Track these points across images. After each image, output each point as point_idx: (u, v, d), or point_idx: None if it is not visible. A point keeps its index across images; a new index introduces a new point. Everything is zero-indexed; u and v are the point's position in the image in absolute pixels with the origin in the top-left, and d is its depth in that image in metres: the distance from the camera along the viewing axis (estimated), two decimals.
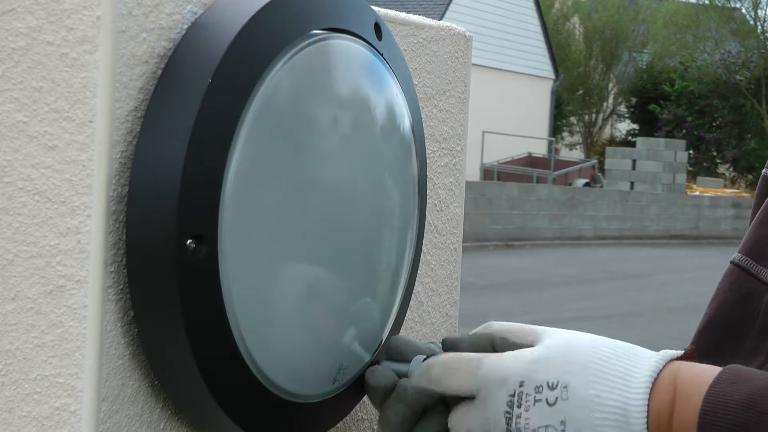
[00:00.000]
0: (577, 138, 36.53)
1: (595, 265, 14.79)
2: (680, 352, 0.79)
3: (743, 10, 33.70)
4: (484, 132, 24.59)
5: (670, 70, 33.83)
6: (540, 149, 28.62)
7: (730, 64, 32.21)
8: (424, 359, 0.89)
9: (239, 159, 0.78)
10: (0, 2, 0.78)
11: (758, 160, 31.08)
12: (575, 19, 36.11)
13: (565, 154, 34.35)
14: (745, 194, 26.86)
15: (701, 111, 32.55)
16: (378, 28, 0.94)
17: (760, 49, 32.42)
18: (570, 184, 23.88)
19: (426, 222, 1.06)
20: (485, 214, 16.37)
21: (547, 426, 0.78)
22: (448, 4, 26.55)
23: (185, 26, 0.80)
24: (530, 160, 26.38)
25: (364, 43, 0.92)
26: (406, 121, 0.96)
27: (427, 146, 1.07)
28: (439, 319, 1.13)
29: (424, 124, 1.05)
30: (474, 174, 24.22)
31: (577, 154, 35.25)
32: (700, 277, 13.64)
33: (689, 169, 28.32)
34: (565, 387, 0.78)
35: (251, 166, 0.79)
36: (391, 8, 1.09)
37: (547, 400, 0.78)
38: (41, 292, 0.77)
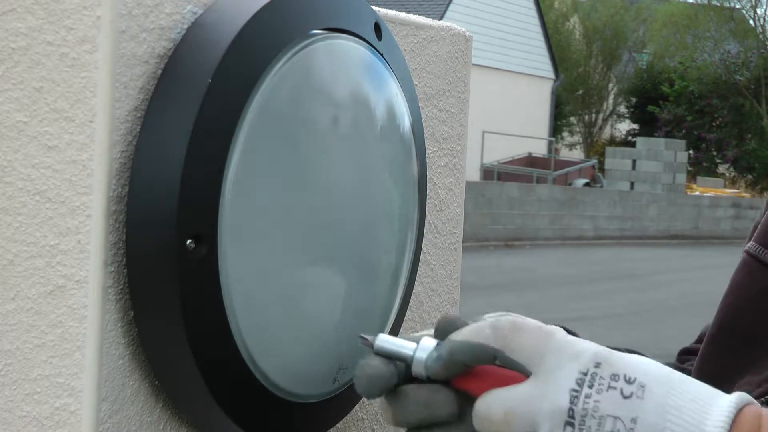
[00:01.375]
0: (577, 138, 36.54)
1: (595, 265, 14.79)
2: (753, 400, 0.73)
3: (742, 10, 33.70)
4: (484, 132, 24.58)
5: (670, 70, 33.84)
6: (540, 149, 28.62)
7: (729, 64, 32.21)
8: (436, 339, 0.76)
9: (239, 159, 0.78)
10: (0, 2, 0.78)
11: (758, 160, 31.10)
12: (575, 19, 36.11)
13: (565, 154, 34.35)
14: (745, 194, 26.86)
15: (701, 111, 32.55)
16: (378, 28, 0.94)
17: (759, 48, 32.42)
18: (570, 184, 23.88)
19: (426, 222, 1.06)
20: (485, 214, 16.37)
21: (616, 418, 0.71)
22: (448, 4, 26.55)
23: (185, 26, 0.80)
24: (530, 160, 26.39)
25: (364, 43, 0.92)
26: (406, 121, 0.96)
27: (427, 146, 1.07)
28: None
29: (424, 124, 1.05)
30: (474, 174, 24.21)
31: (577, 154, 35.25)
32: (700, 277, 13.65)
33: (689, 169, 28.33)
34: (642, 386, 0.71)
35: (251, 166, 0.79)
36: (391, 8, 1.09)
37: (622, 391, 0.72)
38: (41, 292, 0.77)
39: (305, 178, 0.85)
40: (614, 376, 0.72)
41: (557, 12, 35.32)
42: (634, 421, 0.70)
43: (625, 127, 38.37)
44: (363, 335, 0.77)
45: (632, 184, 23.10)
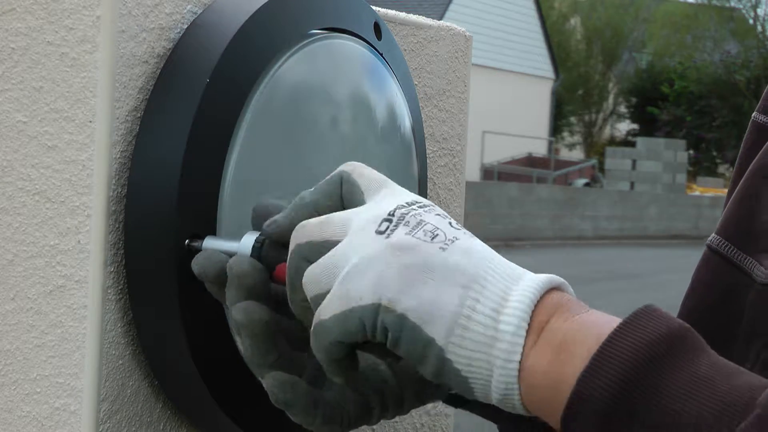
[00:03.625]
0: (577, 138, 36.55)
1: (595, 265, 14.79)
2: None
3: (742, 10, 33.71)
4: (484, 132, 24.59)
5: (669, 70, 33.85)
6: (540, 149, 28.63)
7: (729, 63, 32.22)
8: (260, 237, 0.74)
9: (238, 158, 0.78)
10: (0, 2, 0.78)
11: None
12: (575, 19, 36.12)
13: (565, 154, 34.37)
14: None
15: (701, 111, 32.55)
16: (378, 28, 0.94)
17: (759, 48, 32.43)
18: (570, 184, 23.89)
19: None
20: (485, 214, 16.37)
21: (437, 227, 0.65)
22: (448, 4, 26.56)
23: (185, 26, 0.80)
24: (530, 160, 26.40)
25: (364, 42, 0.92)
26: (406, 121, 0.96)
27: (427, 146, 1.07)
28: None
29: (424, 124, 1.05)
30: (474, 174, 24.21)
31: (577, 154, 35.26)
32: None
33: (689, 169, 28.32)
34: (470, 236, 0.66)
35: (250, 165, 0.79)
36: (391, 8, 1.09)
37: (450, 223, 0.66)
38: (41, 292, 0.77)
39: (304, 177, 0.85)
40: (449, 219, 0.67)
41: (557, 12, 35.33)
42: (453, 240, 0.65)
43: (625, 127, 38.37)
44: (189, 242, 0.76)
45: (632, 184, 23.10)
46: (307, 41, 0.84)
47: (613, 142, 36.36)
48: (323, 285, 0.66)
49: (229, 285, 0.71)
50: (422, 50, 1.09)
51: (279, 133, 0.82)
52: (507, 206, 17.09)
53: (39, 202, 0.77)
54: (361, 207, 0.69)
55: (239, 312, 0.70)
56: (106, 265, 0.76)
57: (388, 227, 0.66)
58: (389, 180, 0.71)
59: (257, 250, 0.72)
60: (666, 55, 35.17)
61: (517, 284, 0.64)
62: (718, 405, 0.57)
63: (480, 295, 0.63)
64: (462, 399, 0.76)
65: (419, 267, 0.64)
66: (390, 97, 0.94)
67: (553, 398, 0.61)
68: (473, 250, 0.65)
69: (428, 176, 1.07)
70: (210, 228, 0.77)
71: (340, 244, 0.66)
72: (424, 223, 0.66)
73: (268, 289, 0.73)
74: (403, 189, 0.70)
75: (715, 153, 33.04)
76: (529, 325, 0.62)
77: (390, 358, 0.69)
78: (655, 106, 33.26)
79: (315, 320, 0.66)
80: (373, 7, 0.96)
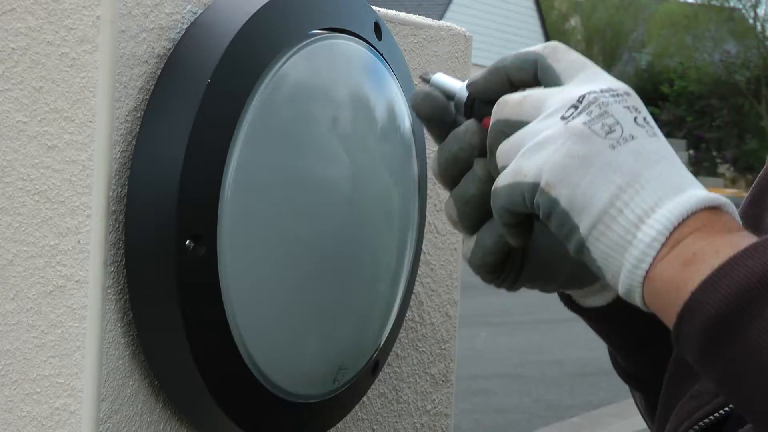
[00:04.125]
0: None
1: None
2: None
3: (742, 10, 33.71)
4: None
5: (669, 70, 33.84)
6: None
7: (729, 64, 32.22)
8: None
9: (238, 158, 0.78)
10: (0, 2, 0.78)
11: (758, 160, 31.07)
12: (575, 19, 36.12)
13: None
14: (744, 194, 26.80)
15: (701, 111, 32.55)
16: (378, 28, 0.94)
17: (759, 48, 32.44)
18: None
19: (426, 222, 1.06)
20: None
21: (618, 122, 0.68)
22: (448, 4, 26.55)
23: (185, 26, 0.80)
24: None
25: (364, 42, 0.92)
26: (406, 121, 0.96)
27: (427, 146, 1.07)
28: (439, 319, 1.13)
29: None
30: None
31: None
32: None
33: (689, 168, 28.27)
34: (656, 135, 0.69)
35: (250, 165, 0.79)
36: (391, 8, 1.09)
37: (635, 119, 0.69)
38: (41, 292, 0.77)
39: (305, 178, 0.85)
40: (636, 114, 0.70)
41: (557, 12, 35.33)
42: (628, 139, 0.68)
43: None
44: (424, 75, 0.82)
45: None
46: (307, 41, 0.84)
47: None
48: (508, 159, 0.71)
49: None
50: (422, 50, 1.09)
51: (279, 133, 0.82)
52: None
53: (39, 202, 0.77)
54: (557, 89, 0.72)
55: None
56: (106, 265, 0.76)
57: (572, 113, 0.69)
58: (589, 62, 0.74)
59: (470, 100, 0.79)
60: (666, 55, 35.16)
61: (675, 196, 0.67)
62: None
63: (631, 200, 0.66)
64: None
65: (583, 158, 0.67)
66: (390, 97, 0.94)
67: (671, 304, 0.65)
68: (643, 154, 0.67)
69: (428, 176, 1.07)
70: (210, 228, 0.77)
71: (530, 125, 0.71)
72: (606, 115, 0.69)
73: None
74: (603, 73, 0.73)
75: (715, 153, 33.03)
76: (668, 238, 0.66)
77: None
78: (655, 106, 33.25)
79: (494, 186, 0.72)
80: (373, 7, 0.96)
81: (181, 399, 0.80)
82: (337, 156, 0.88)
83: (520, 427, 6.06)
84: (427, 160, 1.07)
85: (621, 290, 0.68)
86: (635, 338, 0.86)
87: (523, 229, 0.73)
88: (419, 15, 1.10)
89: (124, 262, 0.77)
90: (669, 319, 0.66)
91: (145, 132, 0.76)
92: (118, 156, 0.76)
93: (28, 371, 0.78)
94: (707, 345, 0.63)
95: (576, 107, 0.69)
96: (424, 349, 1.11)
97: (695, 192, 0.67)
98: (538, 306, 9.78)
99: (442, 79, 0.81)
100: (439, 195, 1.12)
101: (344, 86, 0.90)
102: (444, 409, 1.14)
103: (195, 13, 0.81)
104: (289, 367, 0.85)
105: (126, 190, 0.76)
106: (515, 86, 0.75)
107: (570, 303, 0.87)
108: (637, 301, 0.68)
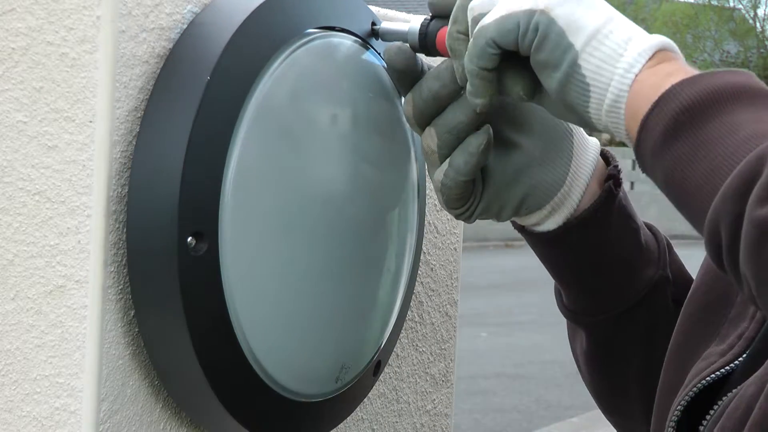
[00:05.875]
0: None
1: None
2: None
3: (742, 10, 33.72)
4: None
5: None
6: None
7: (729, 64, 32.21)
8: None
9: (239, 156, 0.78)
10: (0, 2, 0.78)
11: None
12: None
13: None
14: None
15: None
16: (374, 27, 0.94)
17: (759, 48, 32.44)
18: None
19: (426, 222, 1.06)
20: None
21: None
22: None
23: (185, 26, 0.80)
24: None
25: (362, 41, 0.92)
26: (404, 119, 0.96)
27: None
28: (439, 319, 1.13)
29: None
30: None
31: None
32: None
33: None
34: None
35: (251, 163, 0.79)
36: (391, 8, 1.09)
37: None
38: (41, 292, 0.77)
39: (304, 176, 0.85)
40: None
41: None
42: None
43: None
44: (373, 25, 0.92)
45: (632, 184, 23.09)
46: (306, 40, 0.84)
47: (612, 142, 36.38)
48: (488, 4, 0.80)
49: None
50: None
51: (278, 132, 0.82)
52: None
53: (39, 202, 0.77)
54: None
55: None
56: (106, 265, 0.76)
57: None
58: None
59: (424, 26, 0.88)
60: None
61: (642, 33, 0.78)
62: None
63: (619, 26, 0.78)
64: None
65: None
66: (388, 96, 0.94)
67: (647, 103, 0.73)
68: (608, 6, 0.79)
69: (428, 176, 1.07)
70: (212, 225, 0.77)
71: None
72: None
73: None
74: None
75: None
76: (650, 57, 0.76)
77: (524, 93, 0.82)
78: None
79: (479, 26, 0.80)
80: (373, 7, 0.96)
81: (184, 397, 0.80)
82: (337, 154, 0.88)
83: (520, 427, 6.07)
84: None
85: (609, 98, 0.76)
86: (580, 263, 0.94)
87: (491, 81, 0.81)
88: (419, 15, 1.10)
89: (124, 262, 0.77)
90: (638, 119, 0.74)
91: (145, 131, 0.76)
92: (118, 156, 0.76)
93: (28, 371, 0.78)
94: (671, 129, 0.71)
95: None
96: (424, 349, 1.11)
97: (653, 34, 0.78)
98: (539, 306, 9.78)
99: (389, 26, 0.91)
100: None
101: (343, 85, 0.90)
102: (444, 409, 1.14)
103: (195, 13, 0.81)
104: (292, 365, 0.85)
105: (126, 190, 0.76)
106: None
107: (523, 231, 0.95)
108: (620, 108, 0.76)
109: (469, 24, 0.82)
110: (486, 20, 0.79)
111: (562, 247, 0.93)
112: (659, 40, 0.77)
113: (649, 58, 0.76)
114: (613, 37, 0.77)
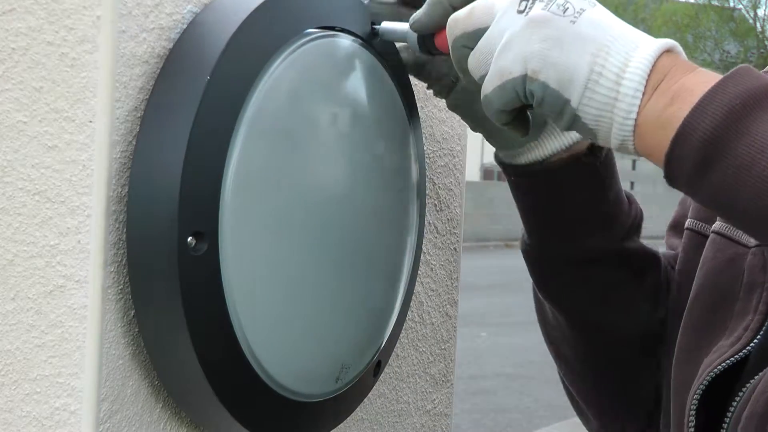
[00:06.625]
0: None
1: None
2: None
3: (743, 10, 33.72)
4: None
5: None
6: None
7: (729, 64, 32.19)
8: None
9: (239, 156, 0.78)
10: (0, 2, 0.78)
11: None
12: None
13: None
14: None
15: None
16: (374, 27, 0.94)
17: (759, 48, 32.43)
18: None
19: (426, 222, 1.06)
20: (485, 214, 16.35)
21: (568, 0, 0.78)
22: None
23: (185, 26, 0.80)
24: None
25: (361, 41, 0.92)
26: (404, 119, 0.96)
27: (427, 146, 1.07)
28: (439, 319, 1.13)
29: (423, 124, 1.05)
30: (474, 174, 24.19)
31: None
32: None
33: None
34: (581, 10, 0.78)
35: (251, 162, 0.79)
36: None
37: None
38: (41, 292, 0.77)
39: (304, 175, 0.85)
40: None
41: None
42: (581, 12, 0.77)
43: None
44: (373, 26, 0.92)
45: (632, 184, 23.08)
46: (305, 40, 0.84)
47: None
48: (484, 67, 0.81)
49: None
50: None
51: (278, 131, 0.82)
52: (507, 206, 17.06)
53: (39, 202, 0.77)
54: None
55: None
56: (106, 265, 0.76)
57: (526, 6, 0.78)
58: None
59: (421, 39, 0.89)
60: None
61: (636, 50, 0.76)
62: None
63: (605, 61, 0.76)
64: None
65: (555, 39, 0.76)
66: (388, 96, 0.94)
67: (663, 139, 0.74)
68: (598, 21, 0.77)
69: (428, 176, 1.07)
70: (212, 224, 0.77)
71: (489, 30, 0.80)
72: None
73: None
74: None
75: None
76: (645, 86, 0.75)
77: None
78: None
79: (482, 95, 0.81)
80: None
81: (184, 397, 0.80)
82: (336, 154, 0.88)
83: (520, 427, 6.06)
84: (426, 160, 1.07)
85: (614, 144, 0.77)
86: (554, 200, 0.98)
87: (522, 121, 0.83)
88: None
89: (124, 262, 0.77)
90: (659, 155, 0.74)
91: (145, 131, 0.76)
92: (118, 156, 0.76)
93: (28, 371, 0.78)
94: (701, 162, 0.71)
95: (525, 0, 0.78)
96: (424, 349, 1.11)
97: (650, 41, 0.77)
98: None
99: (389, 26, 0.91)
100: (439, 195, 1.12)
101: (343, 85, 0.90)
102: (444, 409, 1.14)
103: (195, 14, 0.81)
104: (292, 364, 0.85)
105: (126, 190, 0.76)
106: (456, 9, 0.84)
107: (503, 165, 1.00)
108: (630, 149, 0.77)
109: (476, 80, 0.83)
110: (486, 90, 0.80)
111: (538, 178, 0.97)
112: (651, 55, 0.76)
113: (645, 87, 0.75)
114: (605, 80, 0.76)
